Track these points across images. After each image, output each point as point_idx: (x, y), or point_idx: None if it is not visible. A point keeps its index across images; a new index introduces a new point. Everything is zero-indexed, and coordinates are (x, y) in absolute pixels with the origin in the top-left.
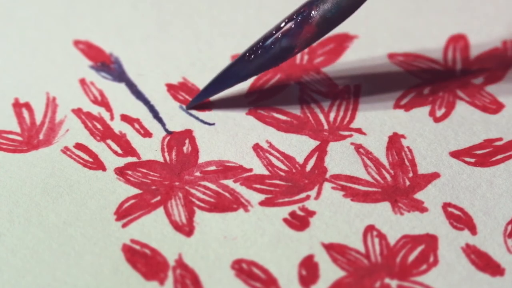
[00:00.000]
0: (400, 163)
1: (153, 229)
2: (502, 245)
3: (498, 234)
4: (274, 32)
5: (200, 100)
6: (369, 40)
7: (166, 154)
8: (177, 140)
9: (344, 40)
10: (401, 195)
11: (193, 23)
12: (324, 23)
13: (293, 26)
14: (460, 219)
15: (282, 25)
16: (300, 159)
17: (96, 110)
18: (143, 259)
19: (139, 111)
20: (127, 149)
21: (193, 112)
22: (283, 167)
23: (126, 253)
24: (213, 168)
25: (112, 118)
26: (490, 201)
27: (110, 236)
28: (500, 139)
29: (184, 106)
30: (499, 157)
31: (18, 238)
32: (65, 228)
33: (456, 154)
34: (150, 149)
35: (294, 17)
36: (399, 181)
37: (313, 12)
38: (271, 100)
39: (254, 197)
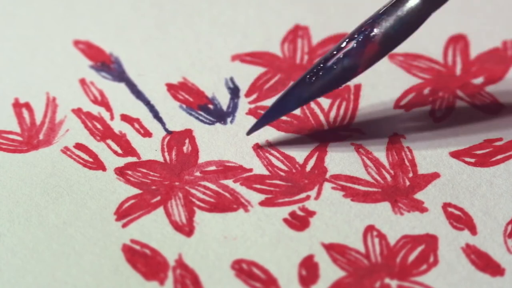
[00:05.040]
0: (400, 163)
1: (153, 229)
2: (502, 245)
3: (498, 234)
4: (335, 52)
5: (261, 126)
6: None
7: (166, 154)
8: (177, 140)
9: None
10: (401, 195)
11: (193, 23)
12: (387, 40)
13: (355, 45)
14: (460, 219)
15: (343, 44)
16: (300, 159)
17: (96, 110)
18: (143, 259)
19: (139, 111)
20: (127, 149)
21: (193, 112)
22: (283, 167)
23: (126, 253)
24: (213, 168)
25: (112, 118)
26: (490, 201)
27: (110, 236)
28: (500, 139)
29: (184, 106)
30: (499, 157)
31: (18, 238)
32: (65, 228)
33: (456, 154)
34: (150, 149)
35: (356, 36)
36: (399, 181)
37: (375, 30)
38: (271, 100)
39: (254, 197)
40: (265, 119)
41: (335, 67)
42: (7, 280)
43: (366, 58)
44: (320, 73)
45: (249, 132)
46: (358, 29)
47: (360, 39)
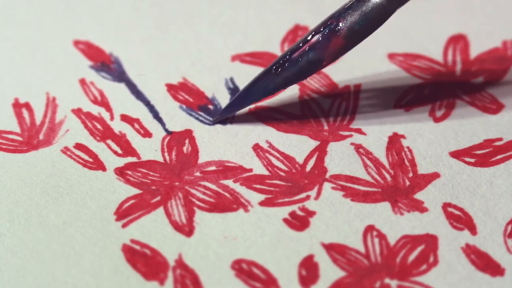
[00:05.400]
0: (400, 163)
1: (153, 229)
2: (502, 245)
3: (498, 234)
4: (301, 45)
5: (226, 115)
6: (369, 40)
7: (166, 154)
8: (177, 140)
9: None
10: (401, 195)
11: (193, 23)
12: (352, 35)
13: (320, 38)
14: (460, 219)
15: (309, 37)
16: (300, 159)
17: (96, 110)
18: (143, 259)
19: (139, 111)
20: (127, 149)
21: (193, 112)
22: (283, 167)
23: (126, 253)
24: (213, 168)
25: (112, 118)
26: (490, 201)
27: (110, 236)
28: (500, 139)
29: (184, 106)
30: (499, 157)
31: (18, 238)
32: (65, 228)
33: (456, 154)
34: (150, 149)
35: (321, 29)
36: (399, 181)
37: (340, 25)
38: (271, 100)
39: (254, 197)
40: (231, 107)
41: (300, 59)
42: (7, 280)
43: (331, 52)
44: (286, 65)
45: (216, 120)
46: (324, 23)
47: (325, 33)
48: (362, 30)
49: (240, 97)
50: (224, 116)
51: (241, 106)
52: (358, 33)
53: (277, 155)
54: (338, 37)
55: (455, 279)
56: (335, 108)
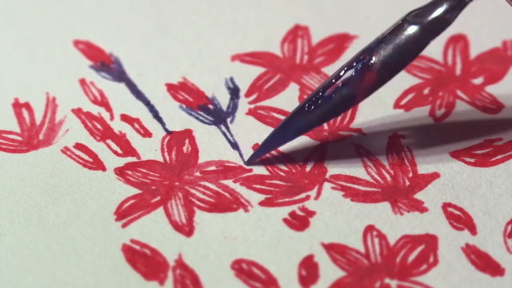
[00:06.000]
0: (400, 163)
1: (153, 229)
2: (502, 245)
3: (498, 234)
4: (333, 81)
5: (261, 155)
6: (369, 40)
7: (166, 154)
8: (177, 140)
9: (344, 40)
10: (401, 195)
11: (193, 23)
12: (385, 69)
13: (353, 74)
14: (460, 219)
15: (342, 73)
16: (300, 159)
17: (96, 110)
18: (143, 259)
19: (139, 111)
20: (127, 149)
21: (193, 112)
22: (283, 167)
23: (126, 253)
24: (213, 168)
25: (112, 118)
26: (490, 201)
27: (110, 236)
28: (500, 139)
29: (184, 106)
30: (499, 157)
31: (18, 238)
32: (65, 228)
33: (456, 154)
34: (150, 149)
35: (354, 64)
36: (399, 181)
37: (373, 59)
38: (271, 100)
39: (254, 197)
40: (265, 147)
41: (333, 96)
42: (7, 280)
43: (364, 87)
44: (319, 102)
45: (249, 161)
46: (357, 58)
47: (358, 68)
48: (396, 64)
49: (273, 136)
50: (259, 156)
51: (276, 146)
52: (392, 66)
53: (277, 155)
54: (371, 72)
55: (455, 279)
56: None
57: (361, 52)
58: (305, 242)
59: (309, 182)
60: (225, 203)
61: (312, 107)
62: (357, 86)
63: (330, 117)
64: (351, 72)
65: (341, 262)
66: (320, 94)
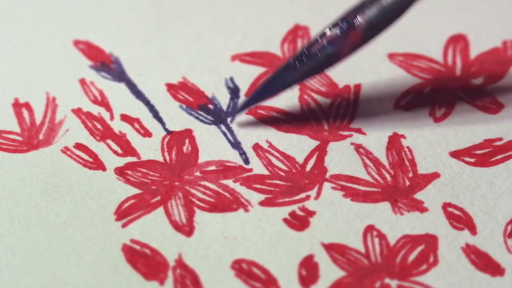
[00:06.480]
0: (400, 163)
1: (153, 229)
2: (502, 245)
3: (498, 234)
4: (319, 39)
5: (248, 106)
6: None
7: (166, 154)
8: (177, 140)
9: None
10: (401, 195)
11: (193, 23)
12: (370, 29)
13: (338, 32)
14: (460, 219)
15: (327, 31)
16: (300, 159)
17: (96, 110)
18: (143, 259)
19: (139, 111)
20: (127, 149)
21: (193, 111)
22: (283, 167)
23: (126, 253)
24: (213, 168)
25: (112, 118)
26: (490, 201)
27: (110, 236)
28: (500, 139)
29: (184, 106)
30: (499, 157)
31: (18, 238)
32: (65, 228)
33: (456, 154)
34: (150, 149)
35: (339, 23)
36: (399, 181)
37: (358, 18)
38: (271, 100)
39: (254, 197)
40: (252, 100)
41: (318, 53)
42: (7, 280)
43: (348, 46)
44: (304, 59)
45: (238, 112)
46: (342, 17)
47: (343, 27)
48: (380, 24)
49: (259, 91)
50: (243, 110)
51: (260, 100)
52: (377, 26)
53: (277, 155)
54: (356, 31)
55: (455, 279)
56: (335, 108)
57: (346, 12)
58: (305, 242)
59: (309, 182)
60: (225, 203)
61: (298, 64)
62: (342, 44)
63: (313, 74)
64: (336, 30)
65: (341, 262)
66: (306, 51)
